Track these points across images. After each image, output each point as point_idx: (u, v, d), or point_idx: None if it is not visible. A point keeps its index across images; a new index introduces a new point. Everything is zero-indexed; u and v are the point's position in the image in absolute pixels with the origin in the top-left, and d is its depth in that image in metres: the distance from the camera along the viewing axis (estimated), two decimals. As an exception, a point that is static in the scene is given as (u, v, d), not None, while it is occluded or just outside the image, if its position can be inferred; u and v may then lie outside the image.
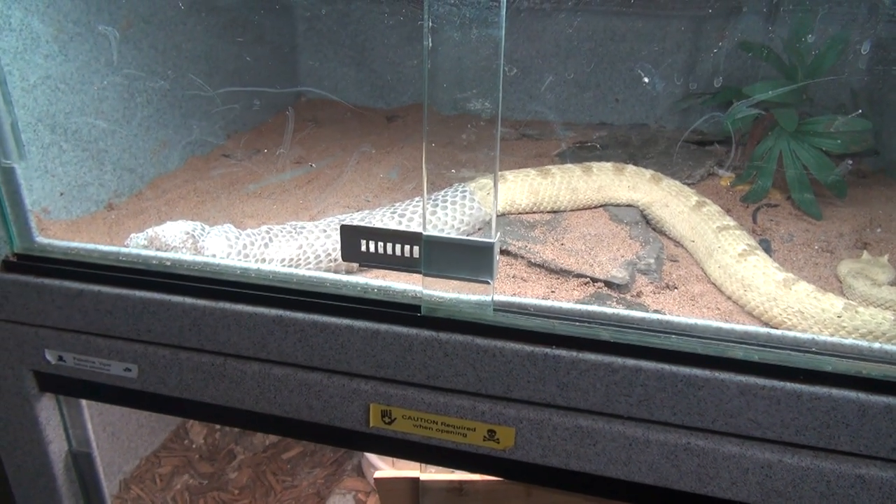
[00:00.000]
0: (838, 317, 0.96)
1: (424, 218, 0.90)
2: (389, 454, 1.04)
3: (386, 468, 1.56)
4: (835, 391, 0.82)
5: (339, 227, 1.01)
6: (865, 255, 1.22)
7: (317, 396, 1.01)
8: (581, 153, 1.70)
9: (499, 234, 0.90)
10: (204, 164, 1.71)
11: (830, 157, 1.60)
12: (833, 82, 1.54)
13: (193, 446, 1.78)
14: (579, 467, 0.95)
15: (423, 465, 1.33)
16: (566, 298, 1.08)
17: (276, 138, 1.92)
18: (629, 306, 1.05)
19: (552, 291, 1.07)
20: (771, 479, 0.88)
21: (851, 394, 0.82)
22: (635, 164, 1.58)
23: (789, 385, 0.83)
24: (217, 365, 1.04)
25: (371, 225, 1.11)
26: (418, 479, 1.06)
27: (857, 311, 0.96)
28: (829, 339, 0.86)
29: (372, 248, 0.94)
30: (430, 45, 0.80)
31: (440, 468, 1.06)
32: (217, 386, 1.06)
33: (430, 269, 0.91)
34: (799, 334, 0.88)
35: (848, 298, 1.12)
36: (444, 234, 0.89)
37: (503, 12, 0.78)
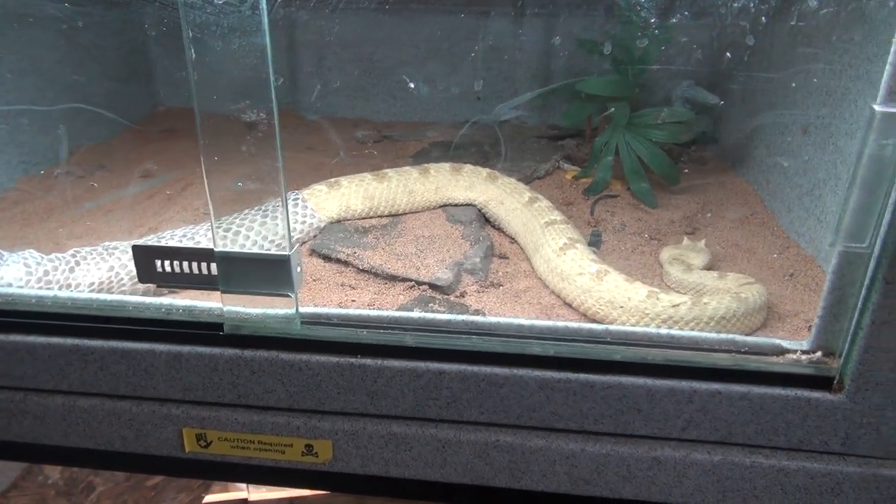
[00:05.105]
0: (620, 307, 1.00)
1: (214, 234, 0.87)
2: (211, 478, 1.01)
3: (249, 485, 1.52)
4: (624, 378, 0.85)
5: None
6: (686, 240, 1.27)
7: (127, 426, 0.97)
8: (435, 153, 1.70)
9: (297, 245, 0.88)
10: (38, 184, 1.61)
11: (677, 146, 1.67)
12: (678, 75, 1.61)
13: (49, 482, 1.68)
14: (399, 473, 0.95)
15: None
16: (391, 304, 1.07)
17: (125, 152, 1.83)
18: (451, 307, 1.06)
19: (352, 301, 1.06)
20: (577, 469, 0.90)
21: (639, 380, 0.85)
22: (487, 160, 1.60)
23: (582, 376, 0.86)
24: (17, 401, 0.97)
25: (165, 244, 1.07)
26: (247, 499, 1.04)
27: (657, 298, 1.00)
28: (621, 328, 0.89)
29: (168, 268, 0.90)
30: (194, 55, 0.77)
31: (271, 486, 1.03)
32: (20, 423, 0.99)
33: (229, 285, 0.89)
34: (594, 326, 0.90)
35: (666, 284, 1.17)
36: (238, 249, 0.87)
37: (265, 19, 0.76)
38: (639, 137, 1.48)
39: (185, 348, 0.91)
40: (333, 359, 0.89)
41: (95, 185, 1.56)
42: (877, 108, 0.70)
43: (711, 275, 1.13)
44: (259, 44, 0.76)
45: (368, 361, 0.89)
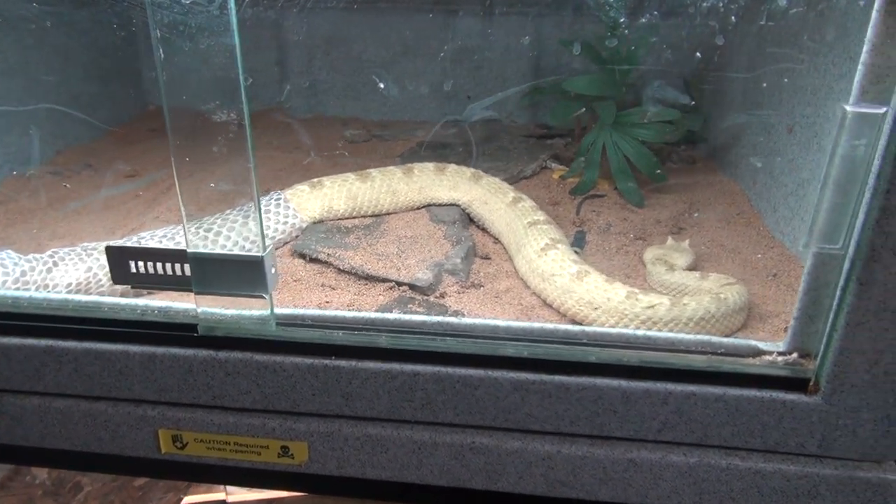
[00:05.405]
0: (600, 308, 0.99)
1: (186, 234, 0.86)
2: (188, 479, 1.00)
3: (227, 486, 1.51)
4: (599, 380, 0.84)
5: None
6: (670, 240, 1.26)
7: (104, 427, 0.96)
8: (423, 152, 1.70)
9: (270, 246, 0.88)
10: (24, 184, 1.60)
11: (666, 146, 1.66)
12: (667, 74, 1.60)
13: (36, 482, 1.68)
14: (375, 475, 0.94)
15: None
16: (371, 304, 1.07)
17: (112, 152, 1.83)
18: (431, 308, 1.05)
19: (327, 302, 1.05)
20: (553, 471, 0.90)
21: (614, 382, 0.84)
22: (474, 160, 1.60)
23: (557, 378, 0.85)
24: (-7, 402, 0.97)
25: (145, 245, 1.07)
26: (225, 500, 1.03)
27: (637, 299, 0.99)
28: (597, 329, 0.89)
29: (142, 269, 0.89)
30: (163, 55, 0.76)
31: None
32: (-3, 424, 0.99)
33: (202, 286, 0.88)
34: (569, 327, 0.90)
35: (649, 284, 1.16)
36: (217, 250, 0.86)
37: (234, 19, 0.75)
38: (625, 137, 1.48)
39: (160, 349, 0.91)
40: (308, 360, 0.89)
41: (68, 185, 1.57)
42: (848, 108, 0.69)
43: (693, 275, 1.12)
44: (228, 44, 0.76)
45: (343, 363, 0.88)
